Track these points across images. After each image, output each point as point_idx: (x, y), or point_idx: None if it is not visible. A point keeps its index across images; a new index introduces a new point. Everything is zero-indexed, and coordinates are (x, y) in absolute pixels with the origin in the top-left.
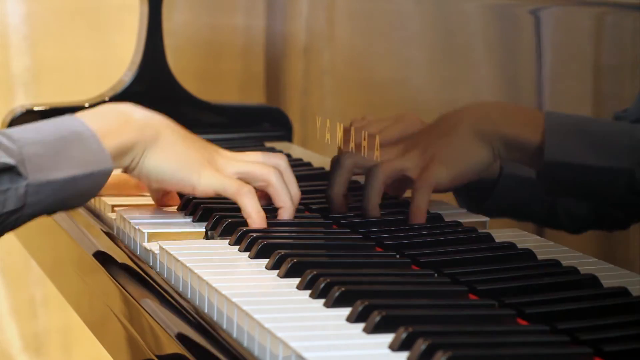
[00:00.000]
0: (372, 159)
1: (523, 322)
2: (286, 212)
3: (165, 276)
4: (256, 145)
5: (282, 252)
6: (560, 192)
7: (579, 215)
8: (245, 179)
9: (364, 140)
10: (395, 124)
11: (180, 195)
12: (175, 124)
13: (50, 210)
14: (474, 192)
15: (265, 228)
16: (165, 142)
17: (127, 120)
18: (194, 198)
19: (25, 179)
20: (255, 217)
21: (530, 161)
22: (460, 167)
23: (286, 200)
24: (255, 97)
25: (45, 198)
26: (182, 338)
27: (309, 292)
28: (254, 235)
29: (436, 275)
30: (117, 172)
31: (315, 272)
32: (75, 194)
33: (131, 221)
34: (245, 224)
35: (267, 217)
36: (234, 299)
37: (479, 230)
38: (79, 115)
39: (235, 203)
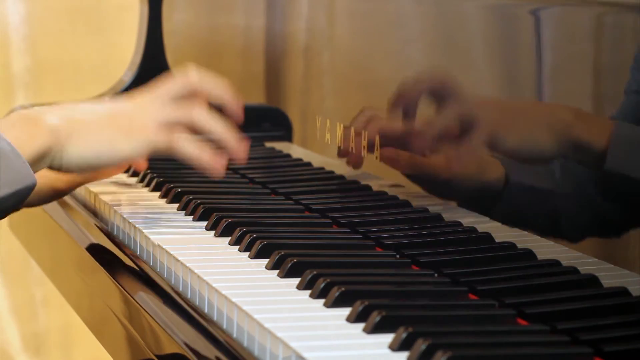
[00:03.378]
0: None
1: (523, 322)
2: (230, 142)
3: (166, 276)
4: (256, 145)
5: (282, 252)
6: (615, 199)
7: (582, 222)
8: (173, 129)
9: (364, 140)
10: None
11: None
12: (82, 103)
13: None
14: (480, 198)
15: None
16: (79, 133)
17: (37, 126)
18: (194, 198)
19: None
20: (205, 159)
21: (590, 165)
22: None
23: (219, 129)
24: (255, 97)
25: None
26: (182, 338)
27: (309, 292)
28: (254, 235)
29: (436, 275)
30: None
31: (315, 272)
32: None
33: (131, 221)
34: (245, 224)
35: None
36: (234, 299)
37: (479, 230)
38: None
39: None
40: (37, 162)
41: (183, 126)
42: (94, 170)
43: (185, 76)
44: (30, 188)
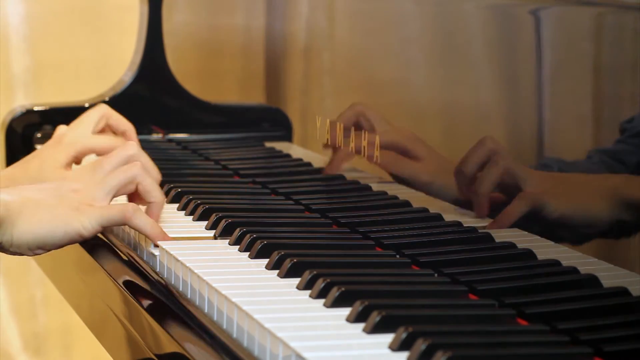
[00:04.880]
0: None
1: (523, 322)
2: (157, 206)
3: (165, 276)
4: (256, 145)
5: (282, 252)
6: None
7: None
8: (117, 194)
9: (364, 140)
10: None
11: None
12: (30, 185)
13: None
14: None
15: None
16: (32, 210)
17: None
18: (194, 198)
19: None
20: (155, 233)
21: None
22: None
23: (157, 194)
24: (255, 97)
25: None
26: (182, 338)
27: (309, 292)
28: (254, 235)
29: (436, 275)
30: None
31: (315, 272)
32: None
33: None
34: (245, 224)
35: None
36: (234, 299)
37: (479, 230)
38: None
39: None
40: None
41: (126, 186)
42: (44, 250)
43: (129, 155)
44: None
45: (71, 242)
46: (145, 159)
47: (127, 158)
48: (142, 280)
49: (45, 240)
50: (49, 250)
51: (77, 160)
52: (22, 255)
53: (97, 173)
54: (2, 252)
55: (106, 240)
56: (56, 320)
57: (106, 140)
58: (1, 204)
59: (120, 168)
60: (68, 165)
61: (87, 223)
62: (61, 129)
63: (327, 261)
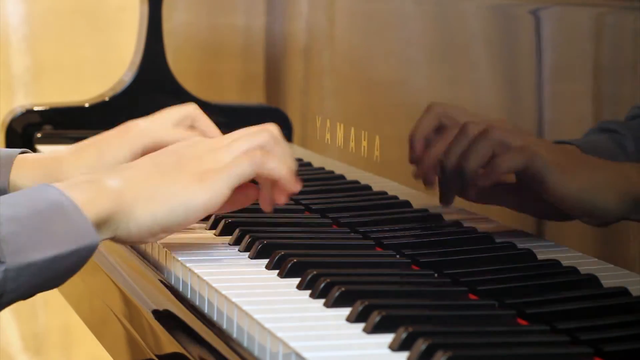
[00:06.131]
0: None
1: (523, 322)
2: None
3: (165, 276)
4: None
5: (282, 252)
6: None
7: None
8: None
9: (364, 140)
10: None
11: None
12: (144, 160)
13: (28, 295)
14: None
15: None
16: (146, 194)
17: (99, 189)
18: None
19: (3, 263)
20: (291, 179)
21: None
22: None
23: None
24: (255, 97)
25: (26, 282)
26: (182, 338)
27: (309, 292)
28: (254, 235)
29: (436, 275)
30: None
31: (315, 272)
32: (57, 274)
33: None
34: (245, 223)
35: (264, 217)
36: (234, 299)
37: (479, 230)
38: (54, 184)
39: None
40: (99, 228)
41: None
42: (165, 233)
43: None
44: (92, 248)
45: (197, 218)
46: (278, 147)
47: (262, 141)
48: (142, 281)
49: (166, 222)
50: (173, 232)
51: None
52: (143, 243)
53: (220, 141)
54: (121, 243)
55: None
56: (56, 320)
57: (191, 136)
58: (113, 194)
59: (242, 137)
60: (133, 159)
61: (213, 192)
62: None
63: (327, 261)
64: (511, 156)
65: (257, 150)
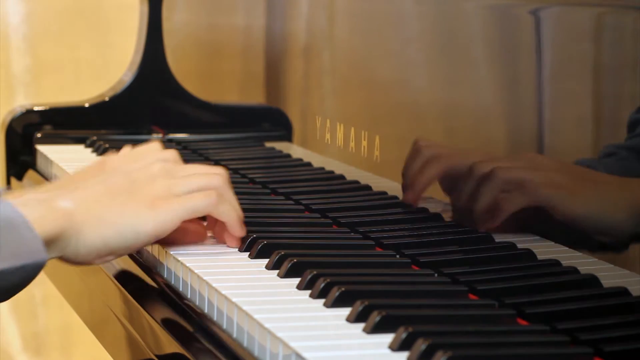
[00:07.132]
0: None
1: (523, 322)
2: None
3: (165, 276)
4: (256, 145)
5: (282, 252)
6: None
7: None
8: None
9: (364, 140)
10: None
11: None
12: (91, 177)
13: None
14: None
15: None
16: (96, 216)
17: (50, 208)
18: None
19: None
20: (239, 227)
21: None
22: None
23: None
24: (255, 97)
25: None
26: (182, 338)
27: (309, 292)
28: (254, 235)
29: (436, 275)
30: None
31: (315, 272)
32: (2, 289)
33: None
34: (245, 223)
35: (264, 217)
36: (234, 299)
37: (479, 230)
38: (7, 199)
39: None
40: (47, 246)
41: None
42: (113, 256)
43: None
44: (39, 265)
45: (144, 244)
46: (229, 193)
47: (213, 183)
48: (142, 281)
49: (115, 245)
50: (120, 256)
51: None
52: (90, 264)
53: (175, 170)
54: (68, 263)
55: None
56: (56, 320)
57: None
58: (64, 214)
59: (199, 174)
60: None
61: (163, 220)
62: None
63: (327, 261)
64: (513, 198)
65: (213, 191)
